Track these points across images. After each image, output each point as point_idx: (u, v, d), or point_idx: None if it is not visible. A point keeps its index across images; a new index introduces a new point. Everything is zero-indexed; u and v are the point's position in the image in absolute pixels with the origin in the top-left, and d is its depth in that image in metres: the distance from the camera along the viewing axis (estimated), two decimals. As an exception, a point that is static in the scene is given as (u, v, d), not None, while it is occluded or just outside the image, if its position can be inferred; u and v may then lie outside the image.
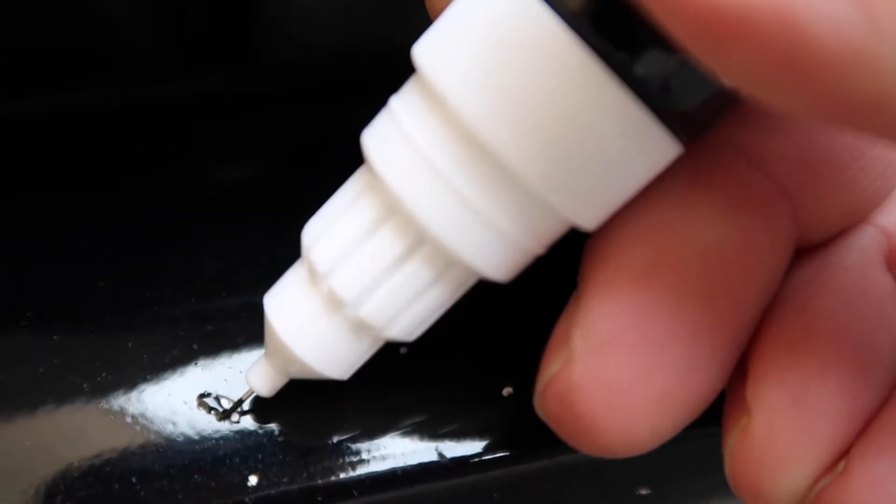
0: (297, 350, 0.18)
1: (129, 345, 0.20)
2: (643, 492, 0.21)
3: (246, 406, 0.19)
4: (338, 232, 0.17)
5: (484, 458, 0.19)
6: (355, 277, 0.17)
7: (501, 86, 0.15)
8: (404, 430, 0.19)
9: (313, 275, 0.17)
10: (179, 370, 0.20)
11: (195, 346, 0.20)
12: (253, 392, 0.19)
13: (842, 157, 0.17)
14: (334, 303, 0.17)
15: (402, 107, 0.16)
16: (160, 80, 0.29)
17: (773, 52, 0.10)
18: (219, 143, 0.27)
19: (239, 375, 0.20)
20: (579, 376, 0.16)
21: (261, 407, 0.19)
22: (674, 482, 0.22)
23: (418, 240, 0.16)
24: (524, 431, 0.20)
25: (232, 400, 0.19)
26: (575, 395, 0.16)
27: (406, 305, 0.17)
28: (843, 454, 0.16)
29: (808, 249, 0.18)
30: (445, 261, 0.17)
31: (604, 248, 0.17)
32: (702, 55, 0.11)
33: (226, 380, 0.20)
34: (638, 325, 0.16)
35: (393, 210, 0.17)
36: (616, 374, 0.16)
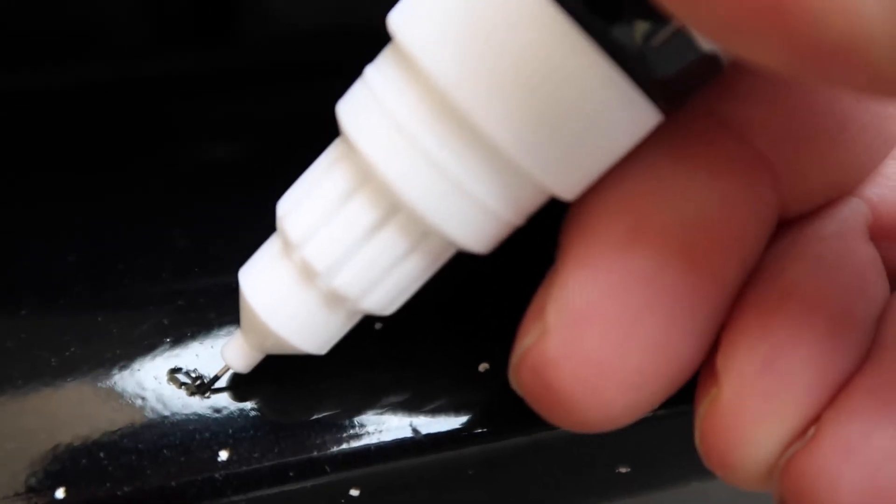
0: (272, 324, 0.17)
1: (99, 319, 0.19)
2: (623, 470, 0.21)
3: (223, 383, 0.19)
4: (311, 202, 0.17)
5: (459, 434, 0.19)
6: (328, 247, 0.17)
7: (477, 52, 0.15)
8: (378, 407, 0.19)
9: (287, 246, 0.17)
10: (149, 345, 0.19)
11: (166, 322, 0.19)
12: (229, 368, 0.19)
13: (826, 128, 0.17)
14: (308, 274, 0.17)
15: (376, 75, 0.16)
16: (140, 57, 0.29)
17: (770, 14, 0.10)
18: (197, 121, 0.27)
19: (210, 351, 0.19)
20: (554, 350, 0.16)
21: (233, 383, 0.19)
22: (654, 460, 0.21)
23: (392, 208, 0.16)
24: (501, 408, 0.19)
25: (203, 375, 0.19)
26: (550, 368, 0.16)
27: (381, 276, 0.17)
28: (814, 421, 0.16)
29: (792, 220, 0.18)
30: (421, 230, 0.16)
31: (581, 219, 0.16)
32: (677, 8, 0.11)
33: (197, 355, 0.19)
34: (614, 297, 0.16)
35: (366, 178, 0.16)
36: (591, 348, 0.16)
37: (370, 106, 0.16)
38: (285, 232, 0.17)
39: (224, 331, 0.20)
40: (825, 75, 0.11)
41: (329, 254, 0.17)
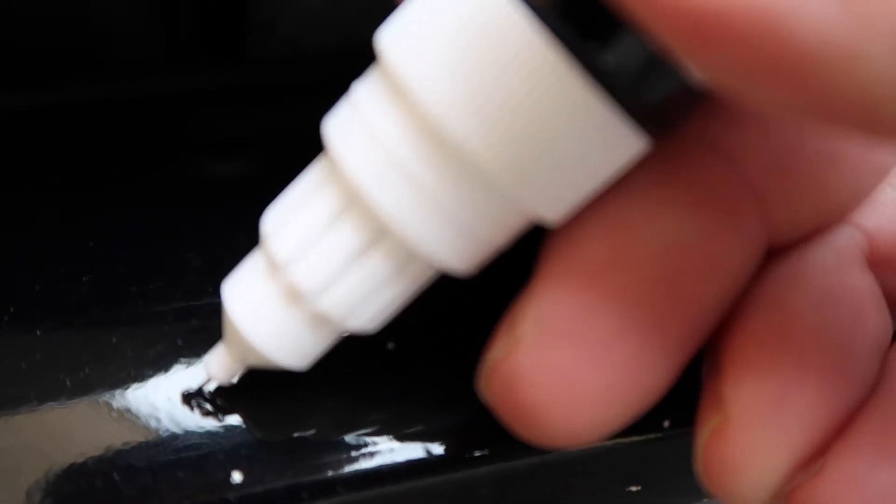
0: (253, 340, 0.17)
1: (114, 340, 0.19)
2: (633, 489, 0.21)
3: (210, 393, 0.19)
4: (297, 222, 0.17)
5: (472, 454, 0.19)
6: (314, 270, 0.17)
7: (465, 75, 0.15)
8: (391, 427, 0.19)
9: (272, 265, 0.17)
10: (164, 366, 0.19)
11: (180, 342, 0.20)
12: (210, 379, 0.19)
13: (815, 156, 0.17)
14: (292, 294, 0.17)
15: (364, 93, 0.16)
16: (151, 75, 0.29)
17: (756, 51, 0.10)
18: (208, 139, 0.27)
19: (224, 371, 0.19)
20: (525, 362, 0.16)
21: (246, 402, 0.19)
22: (664, 479, 0.21)
23: (378, 232, 0.16)
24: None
25: (217, 397, 0.19)
26: (518, 381, 0.16)
27: (366, 298, 0.17)
28: (821, 453, 0.16)
29: (784, 247, 0.18)
30: (406, 254, 0.16)
31: (562, 242, 0.16)
32: (682, 53, 0.11)
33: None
34: (587, 317, 0.16)
35: (353, 201, 0.16)
36: (561, 364, 0.16)
37: (356, 125, 0.16)
38: (270, 252, 0.17)
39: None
40: (834, 122, 0.11)
41: (315, 277, 0.17)
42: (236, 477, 0.18)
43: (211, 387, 0.19)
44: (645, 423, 0.19)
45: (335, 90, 0.29)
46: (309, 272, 0.17)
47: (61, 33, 0.28)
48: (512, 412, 0.16)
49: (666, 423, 0.20)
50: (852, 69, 0.10)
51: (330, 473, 0.18)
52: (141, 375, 0.19)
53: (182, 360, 0.19)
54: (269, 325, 0.17)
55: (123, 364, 0.19)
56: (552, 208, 0.16)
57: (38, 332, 0.20)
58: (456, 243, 0.16)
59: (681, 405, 0.20)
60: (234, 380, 0.19)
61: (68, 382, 0.19)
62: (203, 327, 0.20)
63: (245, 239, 0.22)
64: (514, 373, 0.16)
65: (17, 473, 0.18)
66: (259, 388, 0.19)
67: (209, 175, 0.25)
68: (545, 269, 0.16)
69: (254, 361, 0.18)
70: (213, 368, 0.19)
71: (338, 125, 0.16)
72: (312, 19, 0.32)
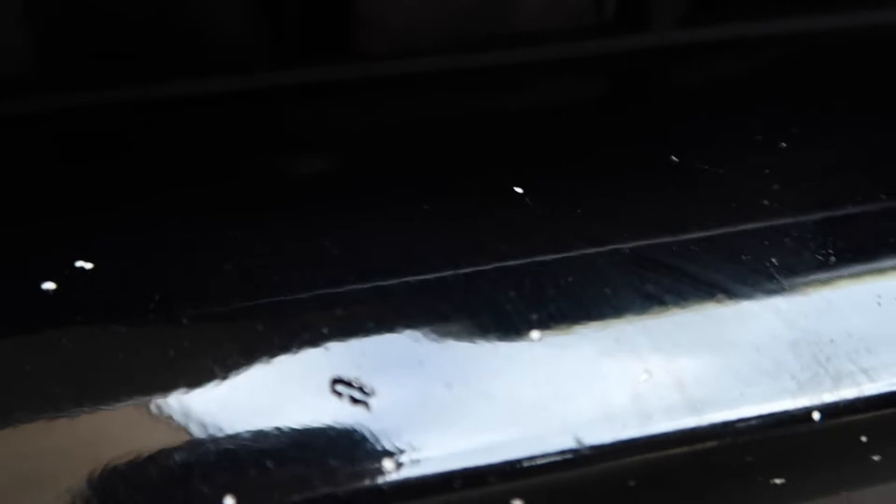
0: None
1: (259, 329, 0.19)
2: (777, 481, 0.21)
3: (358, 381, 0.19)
4: None
5: (623, 443, 0.19)
6: None
7: None
8: (539, 419, 0.19)
9: None
10: (310, 355, 0.19)
11: (325, 331, 0.20)
12: None
13: None
14: None
15: None
16: (256, 71, 0.29)
17: None
18: (327, 131, 0.27)
19: (370, 359, 0.19)
20: None
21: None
22: (808, 470, 0.21)
23: None
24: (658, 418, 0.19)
25: (364, 385, 0.19)
26: None
27: None
28: None
29: None
30: None
31: None
32: None
33: (357, 365, 0.19)
34: None
35: None
36: None
37: None
38: None
39: (383, 339, 0.20)
40: None
41: None
42: (387, 465, 0.18)
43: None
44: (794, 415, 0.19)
45: (443, 82, 0.30)
46: None
47: (166, 31, 0.29)
48: None
49: (815, 416, 0.20)
50: None
51: (482, 463, 0.18)
52: (289, 363, 0.19)
53: (328, 348, 0.19)
54: None
55: (271, 353, 0.19)
56: None
57: (184, 321, 0.20)
58: None
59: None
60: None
61: (217, 370, 0.19)
62: (347, 315, 0.20)
63: (378, 226, 0.22)
64: None
65: (172, 456, 0.18)
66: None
67: (339, 167, 0.25)
68: None
69: None
70: None
71: None
72: (415, 13, 0.32)
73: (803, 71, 0.31)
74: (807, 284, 0.21)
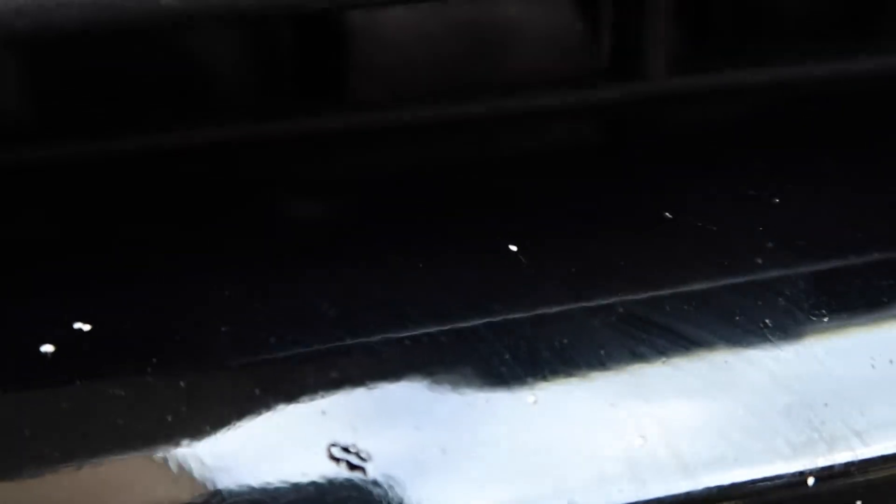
0: None
1: (257, 392, 0.20)
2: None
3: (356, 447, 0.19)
4: None
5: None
6: None
7: None
8: (534, 483, 0.19)
9: None
10: (307, 419, 0.19)
11: (321, 394, 0.20)
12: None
13: None
14: None
15: None
16: (250, 120, 0.29)
17: None
18: (321, 182, 0.27)
19: (366, 422, 0.19)
20: None
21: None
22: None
23: None
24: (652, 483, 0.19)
25: (361, 450, 0.19)
26: None
27: None
28: None
29: None
30: None
31: None
32: None
33: (354, 428, 0.19)
34: None
35: None
36: None
37: None
38: None
39: (378, 402, 0.20)
40: None
41: None
42: (385, 530, 0.18)
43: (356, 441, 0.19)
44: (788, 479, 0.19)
45: (435, 130, 0.30)
46: None
47: (162, 80, 0.29)
48: None
49: (810, 481, 0.20)
50: None
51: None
52: (285, 428, 0.19)
53: (325, 412, 0.19)
54: None
55: (267, 417, 0.19)
56: None
57: (182, 384, 0.20)
58: None
59: None
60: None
61: (214, 434, 0.19)
62: (342, 378, 0.20)
63: (372, 284, 0.22)
64: None
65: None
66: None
67: (325, 220, 0.25)
68: None
69: None
70: None
71: None
72: (410, 61, 0.32)
73: (797, 119, 0.31)
74: (801, 346, 0.21)
